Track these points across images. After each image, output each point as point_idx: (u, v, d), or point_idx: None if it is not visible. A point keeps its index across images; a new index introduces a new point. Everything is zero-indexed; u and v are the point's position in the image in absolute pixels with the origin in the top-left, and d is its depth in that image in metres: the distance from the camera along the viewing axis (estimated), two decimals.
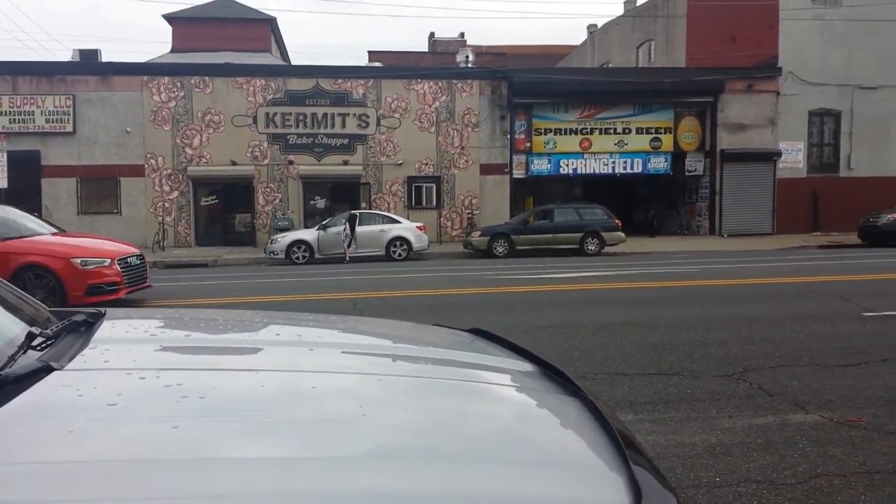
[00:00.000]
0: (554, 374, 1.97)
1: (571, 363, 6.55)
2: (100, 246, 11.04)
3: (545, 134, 27.65)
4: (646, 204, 30.19)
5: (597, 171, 27.66)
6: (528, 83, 26.89)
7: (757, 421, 4.85)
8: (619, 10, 46.35)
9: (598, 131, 27.65)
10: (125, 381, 1.59)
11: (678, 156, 27.84)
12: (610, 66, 36.46)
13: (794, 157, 27.62)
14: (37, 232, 10.85)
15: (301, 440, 1.36)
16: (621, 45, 36.28)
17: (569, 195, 30.37)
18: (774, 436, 4.56)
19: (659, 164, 27.75)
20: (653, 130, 27.78)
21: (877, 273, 13.47)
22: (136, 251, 11.52)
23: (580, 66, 37.16)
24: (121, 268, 10.50)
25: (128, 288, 10.65)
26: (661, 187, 29.74)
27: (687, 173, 27.96)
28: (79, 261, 10.09)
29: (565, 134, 27.68)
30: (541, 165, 27.61)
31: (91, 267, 10.14)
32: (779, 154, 27.37)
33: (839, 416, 4.91)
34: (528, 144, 27.54)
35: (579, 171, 27.75)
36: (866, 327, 8.05)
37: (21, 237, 10.35)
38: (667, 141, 27.78)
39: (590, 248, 21.57)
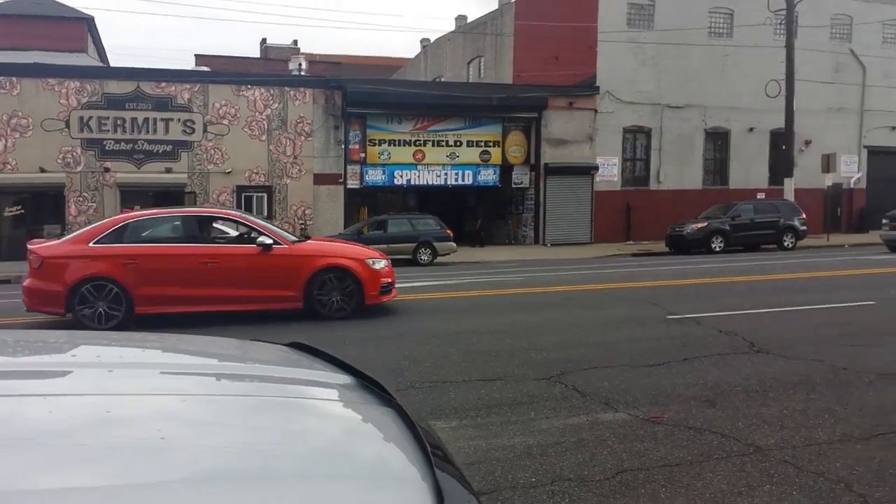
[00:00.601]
0: (371, 386, 1.99)
1: (400, 373, 6.61)
2: (367, 248, 11.57)
3: (379, 145, 27.81)
4: (476, 215, 31.11)
5: (430, 183, 28.18)
6: (362, 93, 26.94)
7: (571, 421, 5.13)
8: (451, 26, 47.59)
9: (431, 143, 28.19)
10: None
11: (506, 168, 28.95)
12: (442, 79, 37.40)
13: (609, 171, 29.56)
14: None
15: (112, 468, 1.28)
16: (453, 60, 37.35)
17: (403, 206, 30.72)
18: (586, 434, 4.83)
19: (488, 176, 28.73)
20: (482, 144, 28.73)
21: (680, 279, 14.69)
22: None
23: (414, 79, 37.82)
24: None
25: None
26: (491, 199, 30.79)
27: (514, 185, 29.14)
28: (371, 261, 10.37)
29: (399, 145, 27.99)
30: (375, 176, 27.73)
31: (379, 267, 10.43)
32: (596, 168, 29.19)
33: (644, 413, 5.29)
34: (363, 155, 27.58)
35: (413, 182, 28.14)
36: (670, 329, 8.74)
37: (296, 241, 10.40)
38: (495, 154, 28.82)
39: (423, 258, 21.90)
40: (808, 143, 30.95)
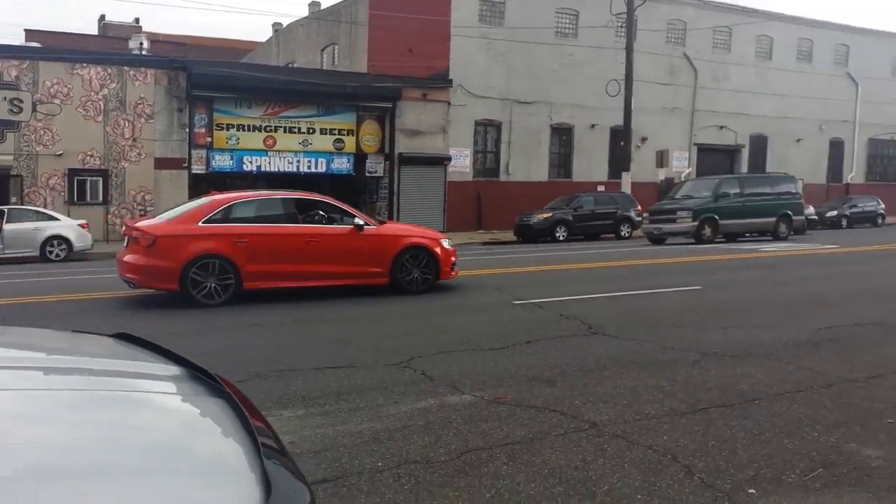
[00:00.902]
0: (201, 376, 1.94)
1: (248, 363, 6.42)
2: (433, 230, 12.52)
3: (228, 129, 26.83)
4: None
5: (281, 170, 27.54)
6: (209, 76, 25.86)
7: (419, 405, 5.18)
8: (304, 12, 46.65)
9: (282, 129, 27.54)
10: None
11: (360, 157, 28.81)
12: (295, 65, 36.54)
13: (462, 162, 30.16)
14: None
15: None
16: (306, 46, 36.58)
17: None
18: (433, 417, 4.90)
19: (342, 164, 28.48)
20: (336, 132, 28.42)
21: (526, 266, 15.23)
22: None
23: (265, 64, 36.71)
24: None
25: None
26: (345, 187, 30.48)
27: (368, 174, 29.06)
28: (444, 241, 11.39)
29: (249, 130, 27.13)
30: (222, 161, 26.75)
31: (449, 246, 11.44)
32: (449, 159, 29.68)
33: (489, 394, 5.42)
34: (209, 139, 26.51)
35: (263, 169, 27.39)
36: (515, 314, 9.05)
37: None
38: (349, 143, 28.60)
39: None
40: (644, 139, 33.00)
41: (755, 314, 8.94)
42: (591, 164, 32.85)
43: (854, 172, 40.66)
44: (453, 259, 11.43)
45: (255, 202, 10.72)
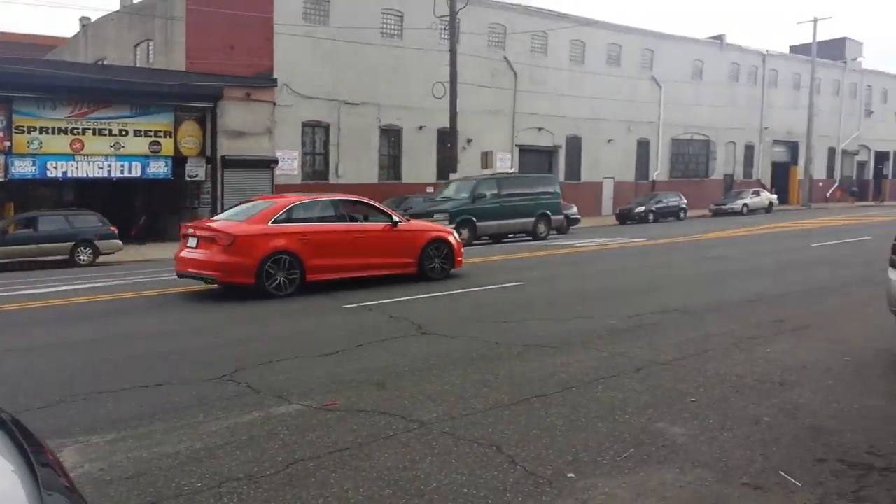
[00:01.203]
0: None
1: (50, 388, 5.89)
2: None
3: (29, 132, 24.56)
4: (137, 211, 28.90)
5: (91, 175, 25.59)
6: (8, 74, 23.53)
7: (243, 419, 4.97)
8: (115, 5, 43.79)
9: (91, 132, 25.59)
10: None
11: (179, 160, 27.38)
12: (105, 63, 34.14)
13: (290, 165, 29.51)
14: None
15: None
16: (118, 43, 34.26)
17: (60, 201, 27.50)
18: (258, 431, 4.71)
19: (159, 168, 26.93)
20: (152, 133, 26.83)
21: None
22: None
23: (72, 61, 34.00)
24: None
25: None
26: (163, 193, 28.91)
27: (188, 178, 27.70)
28: (456, 235, 13.25)
29: (53, 133, 24.99)
30: (23, 167, 24.45)
31: (460, 239, 13.28)
32: (276, 161, 28.93)
33: (318, 402, 5.31)
34: (9, 144, 24.14)
35: (71, 175, 25.33)
36: (345, 317, 8.95)
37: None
38: (167, 145, 27.11)
39: (82, 258, 19.88)
40: (469, 141, 33.92)
41: (573, 306, 9.42)
42: (420, 166, 33.29)
43: (659, 170, 44.03)
44: (463, 250, 13.27)
45: (311, 203, 12.02)
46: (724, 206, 39.67)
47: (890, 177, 58.86)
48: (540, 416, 4.88)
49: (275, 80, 28.89)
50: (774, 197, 43.50)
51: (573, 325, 8.08)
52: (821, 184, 53.26)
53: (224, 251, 10.71)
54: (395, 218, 12.35)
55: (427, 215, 21.70)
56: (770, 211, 40.85)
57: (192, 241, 11.24)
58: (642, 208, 35.55)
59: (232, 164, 27.84)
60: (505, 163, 35.61)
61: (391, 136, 32.77)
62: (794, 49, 54.70)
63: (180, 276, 11.53)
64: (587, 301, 9.83)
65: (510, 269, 14.37)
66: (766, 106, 49.28)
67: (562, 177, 38.93)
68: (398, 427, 4.71)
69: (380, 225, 12.21)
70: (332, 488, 3.80)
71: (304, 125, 30.09)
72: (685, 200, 37.76)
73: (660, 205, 36.38)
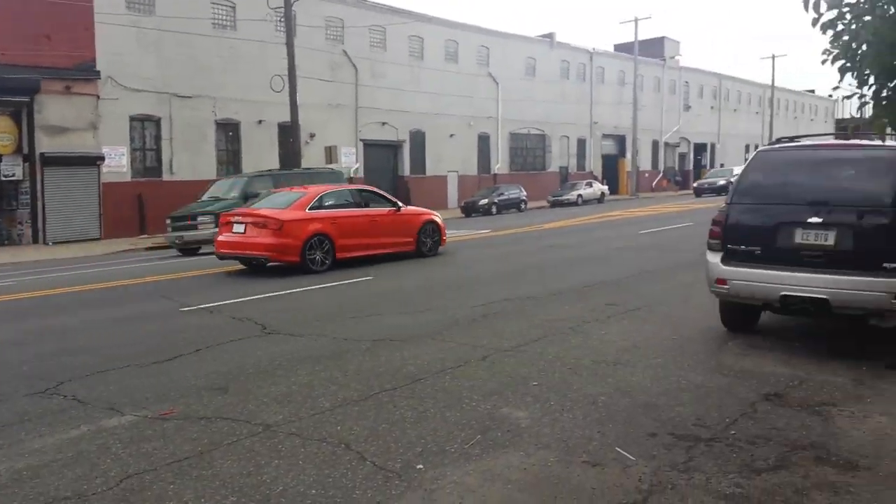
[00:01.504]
0: None
1: None
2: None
3: None
4: None
5: None
6: None
7: (70, 434, 4.60)
8: None
9: None
10: None
11: None
12: None
13: (117, 162, 27.68)
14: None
15: None
16: None
17: None
18: (87, 445, 4.38)
19: None
20: None
21: (193, 270, 14.41)
22: None
23: None
24: None
25: None
26: None
27: (4, 178, 25.36)
28: (441, 219, 15.50)
29: None
30: None
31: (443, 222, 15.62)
32: (102, 158, 27.05)
33: (154, 411, 5.01)
34: None
35: None
36: (183, 321, 8.52)
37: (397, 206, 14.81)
38: None
39: None
40: (312, 136, 33.35)
41: (421, 298, 9.51)
42: (261, 161, 32.25)
43: (500, 164, 45.40)
44: (446, 230, 15.74)
45: (335, 192, 14.12)
46: (560, 198, 41.48)
47: (708, 167, 63.91)
48: (389, 410, 4.87)
49: (97, 72, 26.99)
50: (606, 188, 46.01)
51: (423, 317, 8.15)
52: (647, 174, 57.02)
53: (273, 234, 12.47)
54: (399, 204, 14.75)
55: (191, 218, 19.93)
56: (602, 201, 43.18)
57: (238, 227, 12.93)
58: (486, 201, 36.49)
59: (53, 161, 25.74)
60: (349, 157, 35.37)
61: (229, 131, 31.58)
62: (618, 47, 58.11)
63: (221, 258, 13.44)
64: (436, 292, 9.95)
65: (354, 264, 14.26)
66: (594, 102, 52.03)
67: (407, 171, 39.23)
68: (242, 432, 4.54)
69: (386, 210, 14.33)
70: (171, 500, 3.60)
71: (133, 119, 28.33)
72: (525, 192, 39.15)
73: (502, 197, 37.49)
